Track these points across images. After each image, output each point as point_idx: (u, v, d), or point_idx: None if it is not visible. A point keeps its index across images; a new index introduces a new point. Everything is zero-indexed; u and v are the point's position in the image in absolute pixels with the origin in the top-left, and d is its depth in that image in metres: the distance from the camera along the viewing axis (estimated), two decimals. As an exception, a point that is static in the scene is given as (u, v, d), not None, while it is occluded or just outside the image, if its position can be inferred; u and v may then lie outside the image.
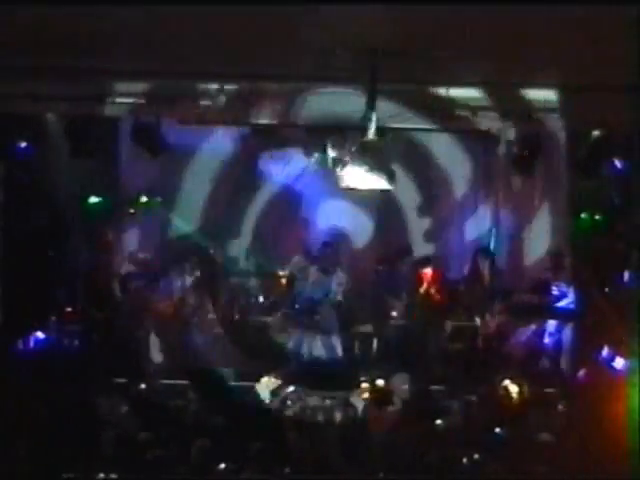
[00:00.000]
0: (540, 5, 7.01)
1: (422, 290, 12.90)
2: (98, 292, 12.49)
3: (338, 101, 11.34)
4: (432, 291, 12.88)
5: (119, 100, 11.30)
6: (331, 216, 13.89)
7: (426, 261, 13.15)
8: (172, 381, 11.37)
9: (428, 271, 12.99)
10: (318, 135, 12.05)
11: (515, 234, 13.93)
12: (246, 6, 7.19)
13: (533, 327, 12.52)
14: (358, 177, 9.95)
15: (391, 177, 10.02)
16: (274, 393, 11.01)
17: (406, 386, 10.97)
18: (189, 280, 12.63)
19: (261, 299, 13.43)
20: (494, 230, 13.97)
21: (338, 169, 10.33)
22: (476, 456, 8.44)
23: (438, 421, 9.74)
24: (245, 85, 11.22)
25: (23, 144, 11.91)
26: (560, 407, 10.21)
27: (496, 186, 13.92)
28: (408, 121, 11.88)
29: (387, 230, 14.08)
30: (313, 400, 10.92)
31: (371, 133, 9.89)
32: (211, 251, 13.48)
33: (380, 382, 11.20)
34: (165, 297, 12.54)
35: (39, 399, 9.66)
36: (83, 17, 7.66)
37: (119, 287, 12.79)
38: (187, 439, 8.55)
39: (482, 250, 13.29)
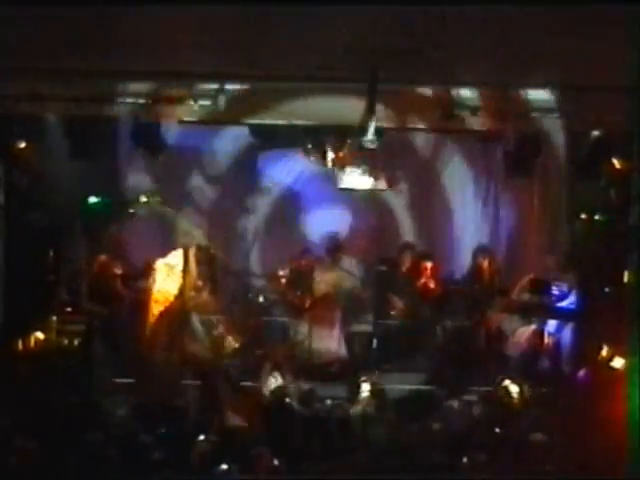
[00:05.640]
0: (540, 5, 7.02)
1: (420, 283, 12.89)
2: (99, 292, 12.46)
3: (338, 101, 11.35)
4: (431, 284, 12.89)
5: (119, 100, 11.30)
6: (330, 216, 13.90)
7: (427, 256, 13.15)
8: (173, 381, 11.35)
9: (428, 265, 12.99)
10: (318, 135, 12.05)
11: (515, 234, 13.93)
12: (246, 6, 7.21)
13: (533, 327, 12.52)
14: (357, 177, 9.97)
15: (390, 177, 10.05)
16: (275, 392, 11.03)
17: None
18: (190, 279, 12.60)
19: (261, 299, 13.43)
20: (494, 230, 13.98)
21: (337, 169, 10.35)
22: (476, 456, 8.45)
23: (438, 421, 9.75)
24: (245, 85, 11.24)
25: (23, 144, 11.89)
26: (560, 407, 10.21)
27: (496, 186, 13.93)
28: (407, 121, 11.89)
29: (386, 230, 14.10)
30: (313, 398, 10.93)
31: (370, 133, 9.91)
32: (211, 251, 13.48)
33: (379, 381, 11.25)
34: (166, 296, 12.51)
35: (39, 399, 9.67)
36: (83, 17, 7.67)
37: (120, 287, 12.77)
38: (188, 439, 8.57)
39: (482, 250, 13.29)
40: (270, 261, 13.79)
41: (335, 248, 13.09)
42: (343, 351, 12.67)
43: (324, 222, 13.88)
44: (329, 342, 12.59)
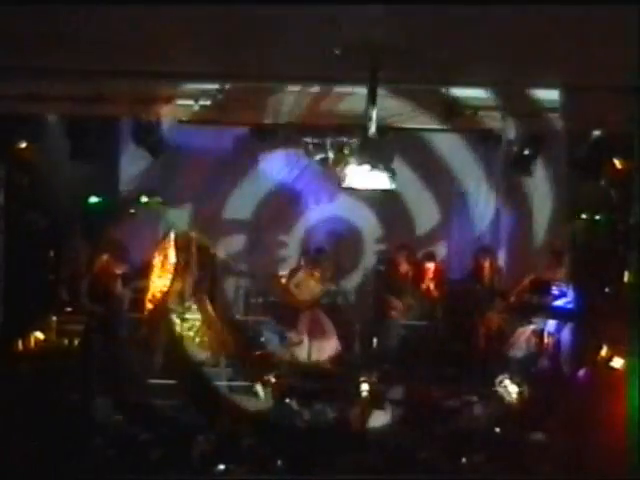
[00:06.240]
0: (540, 5, 7.03)
1: (423, 286, 12.90)
2: (99, 292, 12.46)
3: (339, 101, 11.36)
4: (432, 286, 12.89)
5: (119, 100, 11.31)
6: (332, 216, 13.91)
7: (429, 257, 13.16)
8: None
9: (431, 266, 13.01)
10: (318, 135, 12.06)
11: (515, 234, 13.94)
12: (246, 6, 7.21)
13: (533, 327, 12.52)
14: (359, 177, 9.97)
15: (392, 176, 10.05)
16: (274, 392, 11.04)
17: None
18: (189, 279, 12.60)
19: (260, 300, 13.43)
20: (495, 229, 13.98)
21: (339, 169, 10.35)
22: (476, 456, 8.46)
23: (438, 421, 9.75)
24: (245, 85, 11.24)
25: (23, 144, 11.91)
26: (560, 407, 10.21)
27: (496, 185, 13.94)
28: (409, 120, 11.89)
29: (388, 229, 14.10)
30: (310, 401, 10.93)
31: (372, 132, 9.91)
32: (211, 251, 13.49)
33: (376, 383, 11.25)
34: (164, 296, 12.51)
35: (39, 399, 9.67)
36: (83, 17, 7.67)
37: (120, 287, 12.77)
38: (187, 439, 8.57)
39: (483, 249, 13.29)
40: (270, 261, 13.82)
41: (325, 251, 13.13)
42: (341, 352, 12.68)
43: (324, 223, 13.90)
44: (327, 343, 12.59)
